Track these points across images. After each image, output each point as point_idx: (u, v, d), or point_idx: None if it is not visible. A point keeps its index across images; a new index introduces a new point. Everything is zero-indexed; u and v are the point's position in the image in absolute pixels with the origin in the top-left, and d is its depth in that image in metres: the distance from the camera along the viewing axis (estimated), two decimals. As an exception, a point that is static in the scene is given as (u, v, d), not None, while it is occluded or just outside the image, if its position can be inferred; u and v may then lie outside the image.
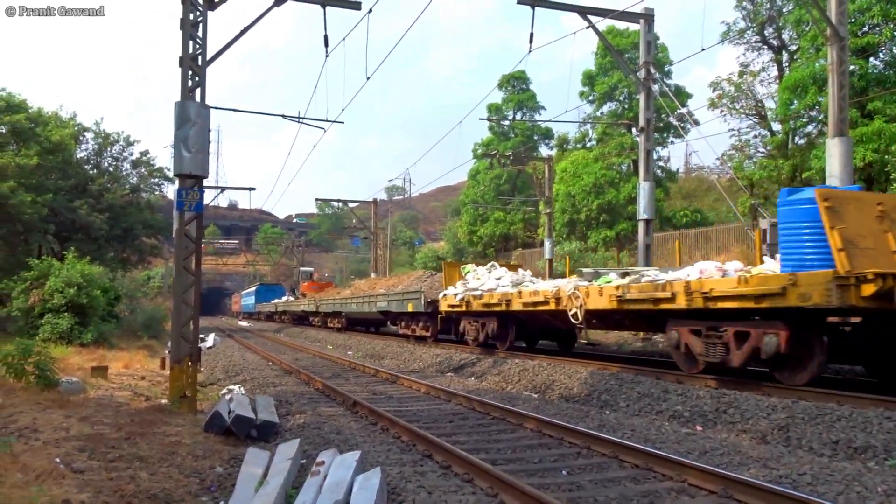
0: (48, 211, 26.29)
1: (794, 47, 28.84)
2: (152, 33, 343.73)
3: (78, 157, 33.04)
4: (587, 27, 16.98)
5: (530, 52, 17.05)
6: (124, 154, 35.08)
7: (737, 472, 6.09)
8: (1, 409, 8.70)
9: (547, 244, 30.81)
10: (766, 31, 29.45)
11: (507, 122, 47.64)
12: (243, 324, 60.17)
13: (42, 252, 27.58)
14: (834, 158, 14.01)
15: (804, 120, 26.71)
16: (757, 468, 6.53)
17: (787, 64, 29.04)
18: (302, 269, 60.80)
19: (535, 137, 47.95)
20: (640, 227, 17.63)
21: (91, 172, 33.30)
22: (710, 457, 7.05)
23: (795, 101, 25.37)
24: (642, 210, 17.54)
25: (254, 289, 68.08)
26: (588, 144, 41.11)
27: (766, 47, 29.85)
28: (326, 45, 14.73)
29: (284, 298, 52.64)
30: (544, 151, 46.55)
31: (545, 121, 48.72)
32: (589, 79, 38.46)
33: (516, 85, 47.51)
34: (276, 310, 51.75)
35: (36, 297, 20.87)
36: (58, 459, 6.26)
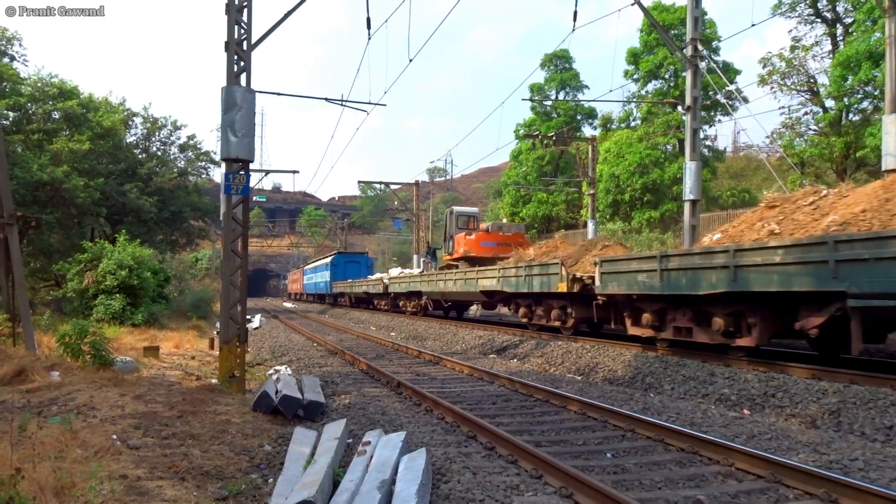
0: (100, 195, 27.00)
1: (849, 20, 27.83)
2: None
3: (127, 141, 33.81)
4: (632, 3, 16.64)
5: (574, 30, 16.81)
6: (172, 138, 35.82)
7: (785, 457, 6.00)
8: (60, 387, 9.03)
9: (590, 225, 30.49)
10: (819, 4, 28.46)
11: (549, 103, 47.09)
12: (288, 305, 60.93)
13: (95, 235, 28.37)
14: (890, 136, 13.58)
15: (859, 96, 25.83)
16: (806, 453, 6.42)
17: (841, 38, 28.06)
18: (457, 209, 29.84)
19: (579, 117, 47.30)
20: (686, 207, 17.29)
21: (140, 157, 34.06)
22: (758, 441, 6.95)
23: (850, 77, 24.54)
24: (688, 190, 17.18)
25: (328, 260, 48.57)
26: (632, 124, 40.42)
27: (819, 20, 28.88)
28: (369, 27, 14.76)
29: (399, 271, 34.22)
30: (587, 131, 45.94)
31: (588, 100, 48.02)
32: (634, 57, 37.71)
33: (559, 64, 46.84)
34: (384, 290, 31.49)
35: (90, 279, 21.56)
36: (114, 436, 6.49)
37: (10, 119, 26.74)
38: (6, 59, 27.08)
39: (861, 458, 6.15)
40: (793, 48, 28.81)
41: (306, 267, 62.70)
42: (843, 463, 6.04)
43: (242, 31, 10.89)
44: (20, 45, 27.73)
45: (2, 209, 13.08)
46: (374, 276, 35.55)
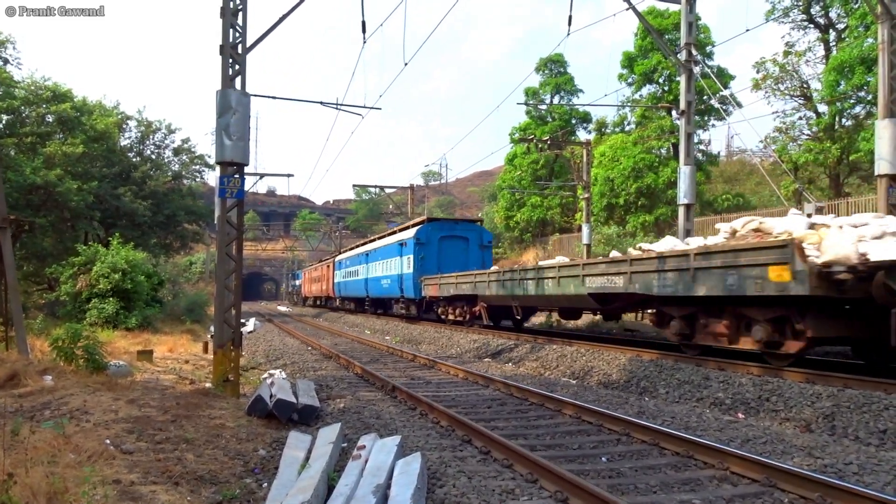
0: (94, 198, 26.95)
1: (841, 26, 28.01)
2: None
3: (121, 145, 33.75)
4: (627, 8, 16.69)
5: (569, 34, 16.87)
6: (166, 142, 35.81)
7: (780, 461, 6.02)
8: (53, 392, 8.99)
9: (585, 229, 30.50)
10: (812, 9, 28.63)
11: (544, 106, 47.21)
12: (283, 308, 60.67)
13: (88, 238, 28.29)
14: (883, 141, 13.64)
15: (852, 101, 25.98)
16: (801, 457, 6.43)
17: (834, 43, 28.22)
18: None
19: (573, 121, 47.39)
20: (681, 211, 17.34)
21: (134, 160, 34.00)
22: (753, 445, 6.96)
23: (843, 82, 24.69)
24: (682, 194, 17.24)
25: (406, 235, 27.20)
26: (627, 128, 40.56)
27: (812, 26, 29.06)
28: (364, 30, 14.77)
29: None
30: (582, 135, 46.04)
31: (583, 104, 48.20)
32: (628, 60, 37.86)
33: (554, 68, 46.97)
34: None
35: (83, 283, 21.49)
36: (108, 441, 6.45)
37: (4, 122, 26.68)
38: (-1, 63, 27.01)
39: (855, 462, 6.16)
40: (786, 53, 28.97)
41: (341, 257, 41.60)
42: (838, 467, 6.05)
43: (237, 34, 10.88)
44: (14, 48, 27.66)
45: (-5, 212, 13.02)
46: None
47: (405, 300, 27.35)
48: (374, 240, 35.69)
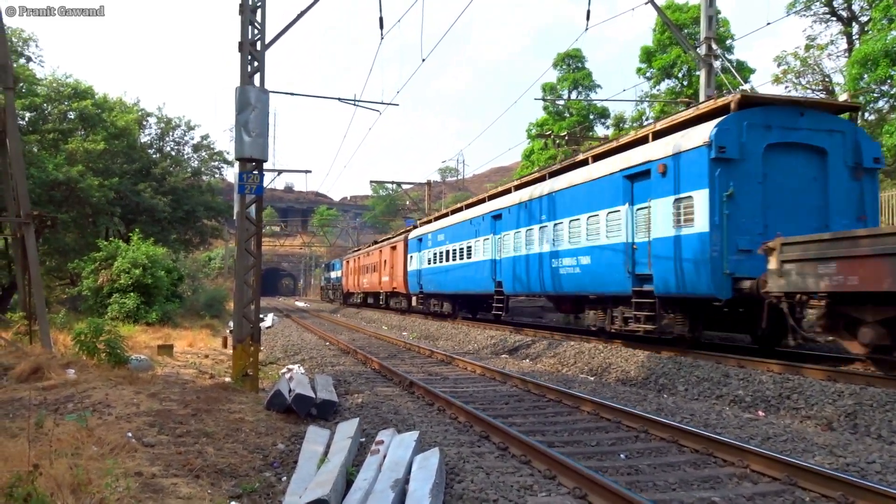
0: (114, 194, 27.23)
1: (864, 18, 27.58)
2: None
3: (141, 141, 34.03)
4: (646, 2, 16.57)
5: (587, 29, 16.76)
6: (185, 138, 36.03)
7: (801, 459, 5.96)
8: (76, 385, 9.10)
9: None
10: (834, 2, 28.23)
11: (562, 102, 46.99)
12: (301, 304, 60.95)
13: (109, 234, 28.58)
14: (907, 135, 13.45)
15: (875, 95, 25.61)
16: (822, 455, 6.37)
17: (857, 36, 27.81)
18: None
19: (591, 117, 47.12)
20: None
21: (154, 156, 34.27)
22: (773, 443, 6.90)
23: (866, 76, 24.34)
24: (702, 190, 17.06)
25: (689, 146, 11.39)
26: (645, 123, 40.28)
27: (834, 19, 28.64)
28: (382, 27, 14.79)
29: None
30: (600, 131, 45.78)
31: (601, 100, 47.79)
32: (647, 55, 37.57)
33: (571, 63, 46.71)
34: None
35: (104, 278, 21.73)
36: (129, 434, 6.53)
37: (27, 119, 26.98)
38: (22, 60, 27.32)
39: (878, 460, 6.09)
40: (808, 47, 28.62)
41: (423, 230, 28.33)
42: (860, 465, 5.99)
43: (256, 31, 10.93)
44: (36, 45, 28.03)
45: (19, 208, 13.21)
46: None
47: (678, 301, 12.28)
48: (500, 193, 21.36)
